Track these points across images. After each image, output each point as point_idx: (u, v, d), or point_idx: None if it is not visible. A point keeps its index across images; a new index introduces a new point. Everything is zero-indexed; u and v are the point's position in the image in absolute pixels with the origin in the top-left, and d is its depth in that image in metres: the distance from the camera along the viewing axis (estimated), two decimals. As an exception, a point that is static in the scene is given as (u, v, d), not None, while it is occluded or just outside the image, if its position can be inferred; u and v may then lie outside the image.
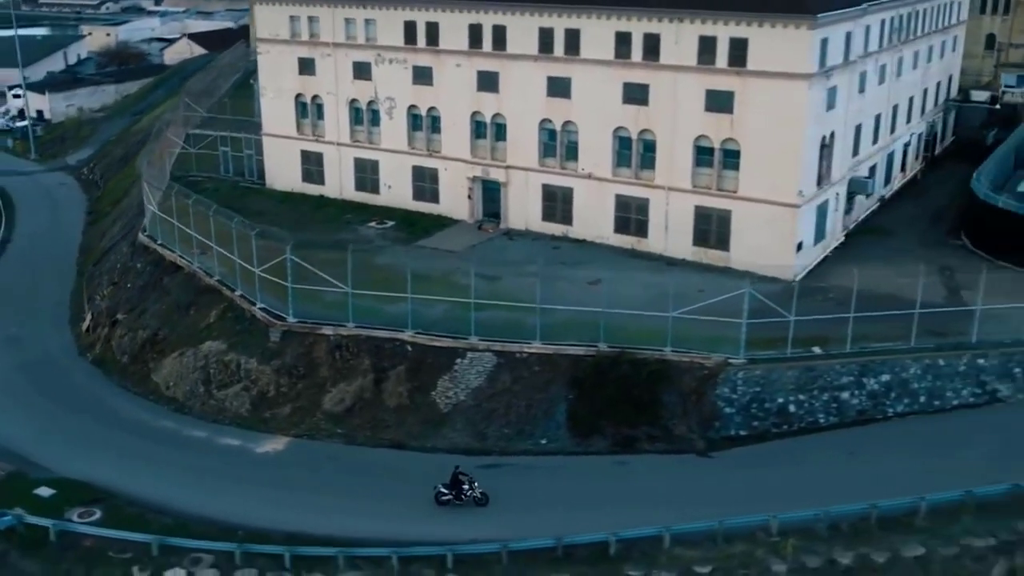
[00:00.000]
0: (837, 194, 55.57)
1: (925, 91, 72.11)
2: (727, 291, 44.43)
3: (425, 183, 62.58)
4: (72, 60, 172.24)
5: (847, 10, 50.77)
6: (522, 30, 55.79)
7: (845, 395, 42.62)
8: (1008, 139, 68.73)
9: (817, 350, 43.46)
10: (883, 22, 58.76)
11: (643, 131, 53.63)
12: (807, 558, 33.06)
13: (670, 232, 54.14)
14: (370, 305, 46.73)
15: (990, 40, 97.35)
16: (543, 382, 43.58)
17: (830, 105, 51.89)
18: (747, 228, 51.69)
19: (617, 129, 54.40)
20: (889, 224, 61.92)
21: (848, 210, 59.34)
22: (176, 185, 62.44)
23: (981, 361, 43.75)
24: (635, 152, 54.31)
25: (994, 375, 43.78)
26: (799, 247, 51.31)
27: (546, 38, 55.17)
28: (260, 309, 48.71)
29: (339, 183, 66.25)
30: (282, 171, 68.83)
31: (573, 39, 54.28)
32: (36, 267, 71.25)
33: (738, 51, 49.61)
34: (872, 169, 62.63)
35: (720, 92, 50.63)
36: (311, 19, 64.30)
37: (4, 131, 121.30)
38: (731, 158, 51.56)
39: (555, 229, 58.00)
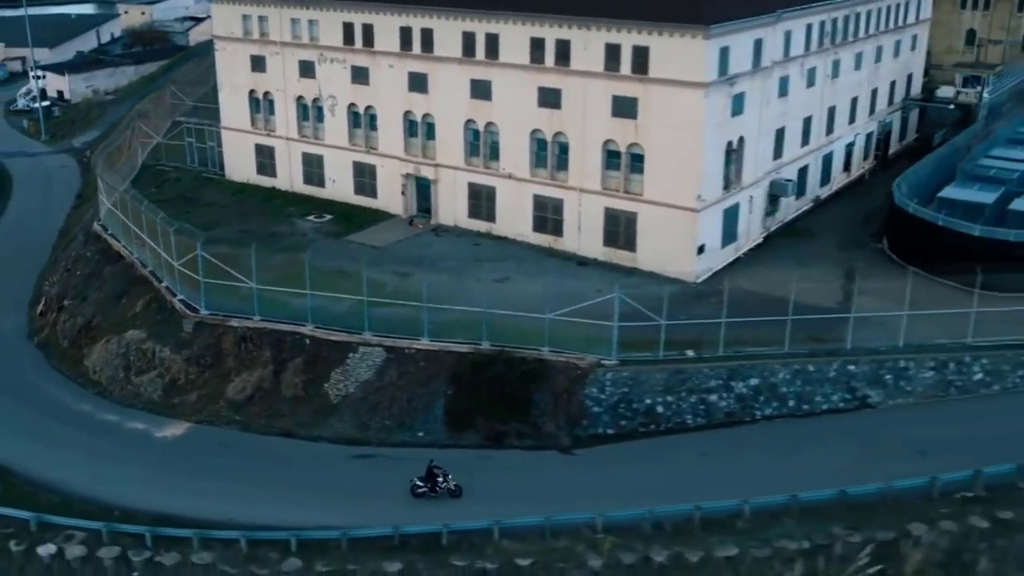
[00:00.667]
0: (751, 197, 56.69)
1: (875, 91, 72.41)
2: (628, 291, 46.45)
3: (365, 178, 64.88)
4: (105, 39, 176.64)
5: (749, 19, 51.72)
6: (447, 33, 57.65)
7: (713, 397, 44.22)
8: (950, 141, 69.11)
9: (690, 353, 45.08)
10: (809, 27, 59.51)
11: (557, 134, 55.31)
12: (623, 555, 34.90)
13: (582, 232, 55.86)
14: (284, 299, 49.27)
15: (971, 35, 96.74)
16: (426, 377, 45.82)
17: (736, 111, 52.96)
18: (651, 230, 53.25)
19: (534, 131, 56.14)
20: (816, 226, 62.86)
21: (771, 212, 60.46)
22: (128, 189, 65.23)
23: (852, 367, 45.04)
24: (550, 154, 56.05)
25: (864, 381, 45.05)
26: (701, 250, 52.70)
27: (469, 42, 56.98)
28: (179, 300, 51.58)
29: (289, 176, 68.84)
30: (239, 163, 71.62)
31: (493, 43, 56.03)
32: (14, 249, 74.77)
33: (640, 59, 51.00)
34: (803, 170, 63.57)
35: (625, 98, 52.08)
36: (261, 18, 66.76)
37: (24, 111, 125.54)
38: (636, 162, 53.06)
39: (480, 226, 59.99)
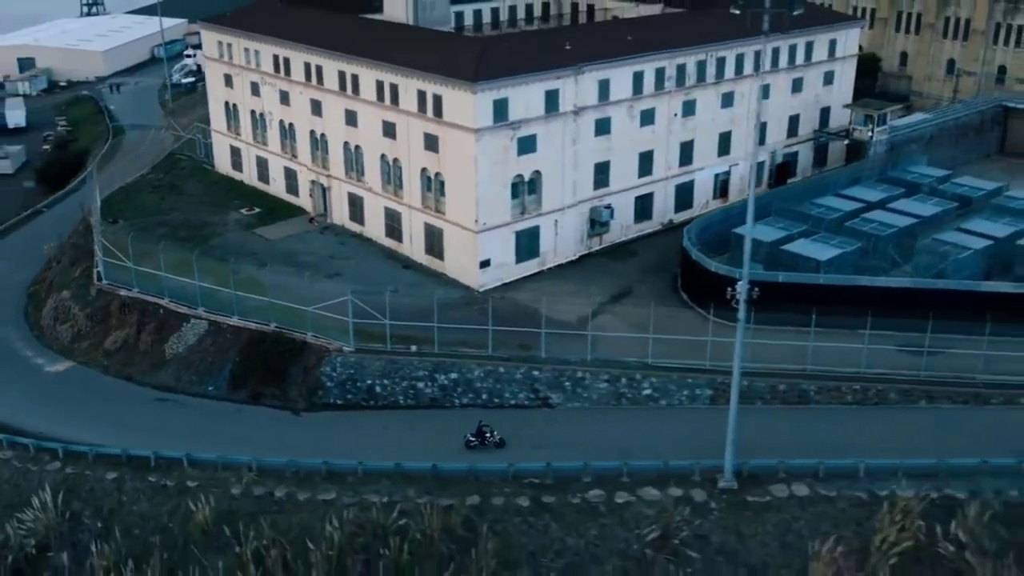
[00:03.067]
0: (556, 221, 66.42)
1: (764, 124, 78.61)
2: (421, 292, 59.33)
3: (291, 181, 79.45)
4: None
5: (530, 74, 61.44)
6: (331, 71, 70.82)
7: (420, 385, 55.73)
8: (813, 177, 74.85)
9: (414, 348, 56.71)
10: (637, 74, 67.89)
11: (395, 159, 67.43)
12: (256, 488, 47.81)
13: (412, 241, 67.92)
14: (156, 278, 64.57)
15: (951, 65, 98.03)
16: (227, 346, 60.05)
17: (526, 150, 62.92)
18: (452, 245, 64.60)
19: (382, 155, 68.50)
20: (645, 248, 71.31)
21: (598, 232, 69.71)
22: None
23: (536, 373, 55.11)
24: (392, 174, 68.25)
25: (546, 385, 55.06)
26: (485, 264, 63.51)
27: (343, 80, 69.92)
28: (96, 272, 68.41)
29: (250, 173, 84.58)
30: (221, 159, 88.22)
31: (356, 82, 68.70)
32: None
33: (438, 105, 62.19)
34: (647, 197, 72.06)
35: (431, 135, 63.51)
36: (228, 45, 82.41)
37: (175, 86, 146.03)
38: (441, 188, 64.39)
39: (356, 228, 73.15)
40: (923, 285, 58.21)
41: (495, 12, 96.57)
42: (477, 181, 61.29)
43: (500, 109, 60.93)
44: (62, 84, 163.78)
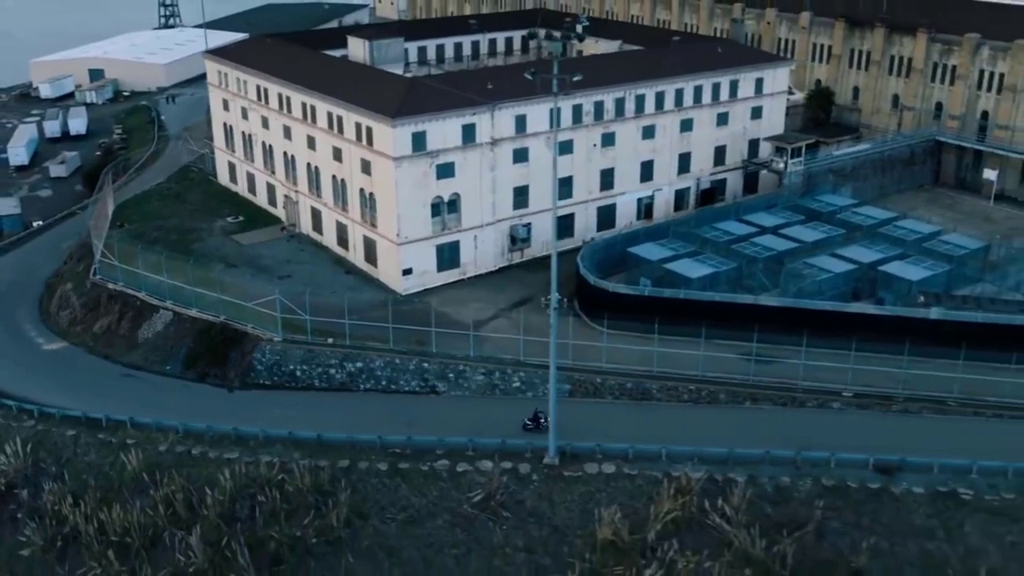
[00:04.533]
0: (475, 236, 76.63)
1: (687, 155, 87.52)
2: (353, 294, 70.85)
3: (272, 194, 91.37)
4: (349, 24, 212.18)
5: (447, 112, 71.82)
6: (296, 102, 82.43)
7: (332, 371, 66.63)
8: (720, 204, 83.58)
9: (330, 340, 67.63)
10: (554, 110, 77.55)
11: (342, 179, 78.60)
12: (178, 446, 59.28)
13: (355, 250, 78.98)
14: (138, 274, 76.90)
15: (895, 100, 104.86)
16: (186, 333, 71.93)
17: (445, 175, 73.33)
18: (382, 254, 75.44)
19: (333, 176, 79.73)
20: (560, 262, 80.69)
21: (519, 247, 79.69)
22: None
23: (426, 365, 65.51)
24: (340, 192, 79.43)
25: (434, 375, 65.41)
26: (408, 272, 74.15)
27: (304, 110, 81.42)
28: (93, 268, 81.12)
29: (242, 186, 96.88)
30: (221, 172, 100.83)
31: (314, 112, 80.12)
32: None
33: (370, 135, 73.15)
34: (569, 217, 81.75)
35: (366, 160, 74.49)
36: (225, 74, 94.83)
37: None
38: (374, 205, 75.23)
39: (317, 237, 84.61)
40: (747, 301, 67.37)
41: (466, 46, 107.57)
42: (398, 201, 72.05)
43: (419, 140, 71.55)
44: (126, 94, 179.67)
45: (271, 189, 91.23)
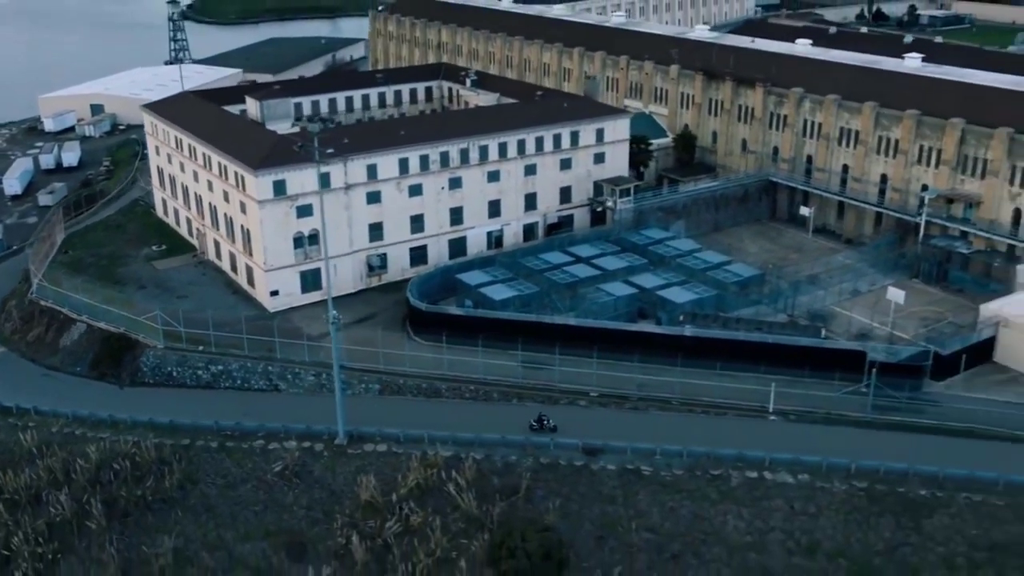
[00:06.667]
0: (335, 265, 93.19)
1: (533, 195, 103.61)
2: (232, 310, 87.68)
3: (190, 226, 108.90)
4: (345, 60, 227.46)
5: (303, 164, 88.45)
6: (199, 152, 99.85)
7: (200, 372, 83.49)
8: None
9: (200, 348, 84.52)
10: (403, 160, 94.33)
11: (230, 216, 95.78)
12: (66, 429, 76.30)
13: (241, 274, 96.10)
14: (61, 293, 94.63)
15: (743, 144, 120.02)
16: (93, 342, 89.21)
17: (304, 215, 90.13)
18: (257, 279, 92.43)
19: (224, 213, 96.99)
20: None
21: (376, 273, 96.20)
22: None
23: (271, 368, 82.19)
24: (229, 227, 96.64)
25: (277, 376, 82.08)
26: (275, 293, 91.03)
27: (204, 159, 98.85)
28: (32, 287, 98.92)
29: (172, 219, 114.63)
30: (158, 206, 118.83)
31: (209, 161, 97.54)
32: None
33: (243, 182, 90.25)
34: (422, 248, 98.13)
35: (242, 202, 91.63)
36: (155, 125, 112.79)
37: None
38: (249, 238, 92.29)
39: (219, 263, 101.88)
40: (518, 317, 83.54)
41: (372, 97, 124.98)
42: (263, 235, 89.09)
43: (279, 187, 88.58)
44: (122, 128, 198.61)
45: (189, 222, 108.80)
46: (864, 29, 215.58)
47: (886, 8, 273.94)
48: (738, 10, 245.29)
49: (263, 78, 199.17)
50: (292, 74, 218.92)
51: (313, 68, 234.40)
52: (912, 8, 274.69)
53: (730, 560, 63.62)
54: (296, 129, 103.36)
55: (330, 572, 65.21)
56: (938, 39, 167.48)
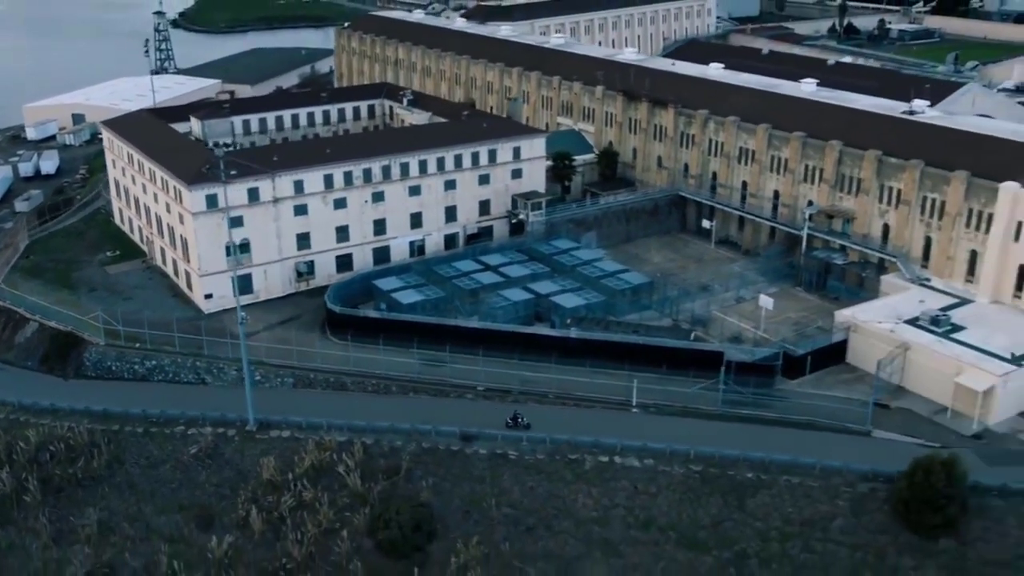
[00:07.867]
0: (265, 271, 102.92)
1: (453, 208, 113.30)
2: (170, 311, 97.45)
3: (140, 234, 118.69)
4: (323, 71, 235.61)
5: (234, 180, 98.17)
6: (146, 168, 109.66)
7: (136, 367, 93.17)
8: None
9: (138, 345, 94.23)
10: (327, 176, 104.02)
11: (171, 225, 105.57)
12: (11, 416, 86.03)
13: (181, 278, 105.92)
14: (17, 295, 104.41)
15: (659, 161, 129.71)
16: (44, 338, 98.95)
17: (236, 225, 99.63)
18: (194, 283, 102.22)
19: (167, 223, 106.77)
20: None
21: (304, 278, 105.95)
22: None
23: (199, 363, 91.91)
24: (171, 235, 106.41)
25: (204, 370, 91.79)
26: (209, 296, 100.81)
27: (150, 173, 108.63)
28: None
29: (127, 226, 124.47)
30: (116, 215, 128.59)
31: (154, 175, 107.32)
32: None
33: (180, 195, 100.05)
34: (348, 256, 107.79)
35: (180, 213, 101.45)
36: (111, 140, 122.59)
37: None
38: (187, 246, 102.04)
39: (164, 268, 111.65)
40: (422, 320, 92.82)
41: (317, 115, 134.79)
42: (197, 243, 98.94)
43: (212, 200, 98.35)
44: (100, 137, 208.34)
45: (140, 230, 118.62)
46: (833, 43, 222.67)
47: (858, 22, 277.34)
48: (699, 27, 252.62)
49: (241, 89, 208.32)
50: (270, 85, 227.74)
51: (290, 79, 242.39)
52: (882, 22, 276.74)
53: (577, 532, 73.26)
54: (237, 146, 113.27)
55: (232, 540, 74.83)
56: (867, 62, 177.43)
